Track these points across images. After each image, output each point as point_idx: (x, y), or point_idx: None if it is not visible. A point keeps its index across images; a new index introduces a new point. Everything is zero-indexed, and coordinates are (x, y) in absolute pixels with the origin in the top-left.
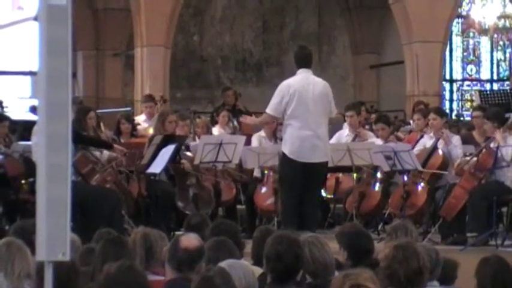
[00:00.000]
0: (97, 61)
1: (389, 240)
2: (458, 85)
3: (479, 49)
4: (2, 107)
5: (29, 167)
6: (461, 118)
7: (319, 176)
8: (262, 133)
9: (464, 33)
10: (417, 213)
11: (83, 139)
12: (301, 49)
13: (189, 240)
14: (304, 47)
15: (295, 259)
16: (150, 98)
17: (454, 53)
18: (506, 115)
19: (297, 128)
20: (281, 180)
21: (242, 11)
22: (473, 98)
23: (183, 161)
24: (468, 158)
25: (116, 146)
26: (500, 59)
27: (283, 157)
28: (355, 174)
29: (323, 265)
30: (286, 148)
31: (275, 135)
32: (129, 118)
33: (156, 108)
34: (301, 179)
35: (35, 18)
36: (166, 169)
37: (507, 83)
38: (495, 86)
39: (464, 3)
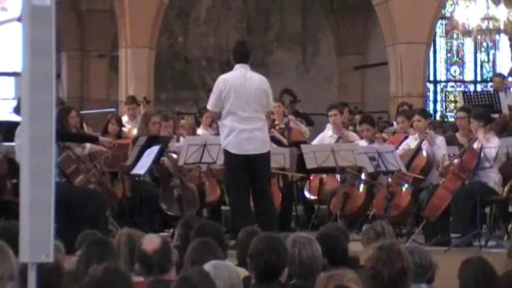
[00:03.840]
0: (81, 62)
1: (367, 239)
2: (442, 86)
3: (463, 50)
4: None
5: (13, 168)
6: (446, 119)
7: (262, 168)
8: None
9: (448, 34)
10: (401, 214)
11: (67, 136)
12: (240, 45)
13: (150, 242)
14: (243, 42)
15: (276, 256)
16: (132, 100)
17: (438, 54)
18: (493, 116)
19: (233, 121)
20: (228, 179)
21: (226, 12)
22: (457, 99)
23: (163, 158)
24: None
25: (101, 138)
26: (484, 61)
27: (227, 154)
28: (339, 175)
29: (308, 266)
30: (225, 143)
31: None
32: (119, 120)
33: (139, 110)
34: (245, 172)
35: (19, 19)
36: (150, 170)
37: (490, 84)
38: (479, 87)
39: (448, 5)
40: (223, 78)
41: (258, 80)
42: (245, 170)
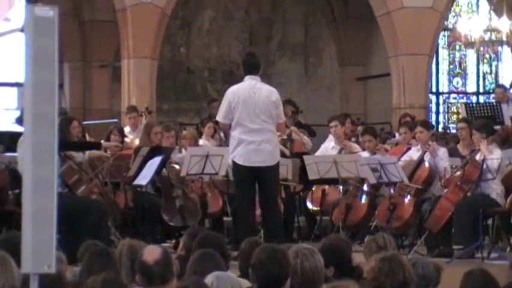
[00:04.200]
0: (84, 72)
1: (368, 251)
2: (444, 98)
3: (465, 62)
4: None
5: (15, 179)
6: (448, 131)
7: (270, 180)
8: None
9: (450, 46)
10: (404, 225)
11: (70, 144)
12: (249, 56)
13: (151, 253)
14: (252, 54)
15: (279, 267)
16: (133, 109)
17: (440, 66)
18: (495, 127)
19: (242, 133)
20: (236, 189)
21: (229, 23)
22: (459, 110)
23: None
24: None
25: (105, 143)
26: (487, 72)
27: (234, 165)
28: (341, 187)
29: (311, 277)
30: (233, 154)
31: None
32: (122, 131)
33: (140, 120)
34: (252, 184)
35: (22, 30)
36: (152, 181)
37: (493, 95)
38: (481, 99)
39: (450, 16)
40: (232, 90)
41: (267, 92)
42: (252, 181)
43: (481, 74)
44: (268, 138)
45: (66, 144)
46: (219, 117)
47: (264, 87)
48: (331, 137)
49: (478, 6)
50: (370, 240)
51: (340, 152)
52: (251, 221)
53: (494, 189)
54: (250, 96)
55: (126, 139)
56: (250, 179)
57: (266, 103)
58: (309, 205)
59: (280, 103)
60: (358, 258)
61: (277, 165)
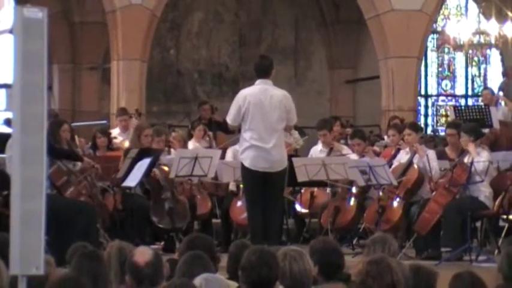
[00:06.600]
0: (73, 74)
1: (368, 253)
2: (433, 100)
3: (454, 65)
4: None
5: (4, 180)
6: (437, 133)
7: (277, 185)
8: (237, 147)
9: (439, 48)
10: (392, 228)
11: (55, 152)
12: (261, 59)
13: (142, 254)
14: (265, 57)
15: (268, 269)
16: (123, 111)
17: (429, 69)
18: (483, 130)
19: (251, 139)
20: (244, 192)
21: (219, 25)
22: (448, 113)
23: (155, 169)
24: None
25: (85, 159)
26: (475, 75)
27: (242, 167)
28: (329, 189)
29: (300, 280)
30: (243, 159)
31: None
32: (105, 132)
33: (131, 122)
34: (261, 188)
35: (11, 31)
36: (141, 183)
37: (481, 98)
38: (470, 102)
39: (439, 19)
40: (243, 95)
41: (279, 97)
42: (260, 184)
43: (469, 77)
44: (278, 143)
45: (51, 151)
46: (228, 119)
47: (276, 92)
48: (319, 140)
49: (466, 9)
50: (370, 243)
51: (329, 153)
52: (259, 224)
53: (483, 191)
54: (261, 102)
55: (115, 141)
56: (258, 182)
57: (279, 109)
58: (298, 207)
59: (293, 107)
60: (346, 260)
61: (284, 170)
